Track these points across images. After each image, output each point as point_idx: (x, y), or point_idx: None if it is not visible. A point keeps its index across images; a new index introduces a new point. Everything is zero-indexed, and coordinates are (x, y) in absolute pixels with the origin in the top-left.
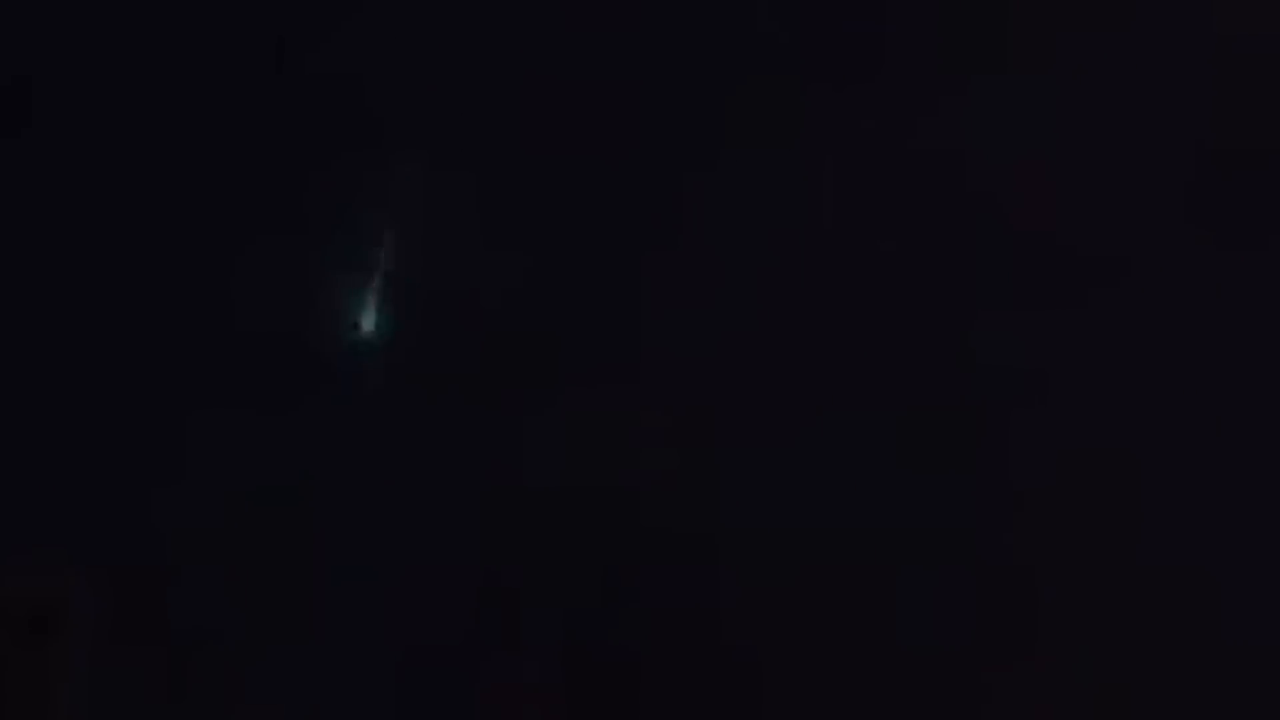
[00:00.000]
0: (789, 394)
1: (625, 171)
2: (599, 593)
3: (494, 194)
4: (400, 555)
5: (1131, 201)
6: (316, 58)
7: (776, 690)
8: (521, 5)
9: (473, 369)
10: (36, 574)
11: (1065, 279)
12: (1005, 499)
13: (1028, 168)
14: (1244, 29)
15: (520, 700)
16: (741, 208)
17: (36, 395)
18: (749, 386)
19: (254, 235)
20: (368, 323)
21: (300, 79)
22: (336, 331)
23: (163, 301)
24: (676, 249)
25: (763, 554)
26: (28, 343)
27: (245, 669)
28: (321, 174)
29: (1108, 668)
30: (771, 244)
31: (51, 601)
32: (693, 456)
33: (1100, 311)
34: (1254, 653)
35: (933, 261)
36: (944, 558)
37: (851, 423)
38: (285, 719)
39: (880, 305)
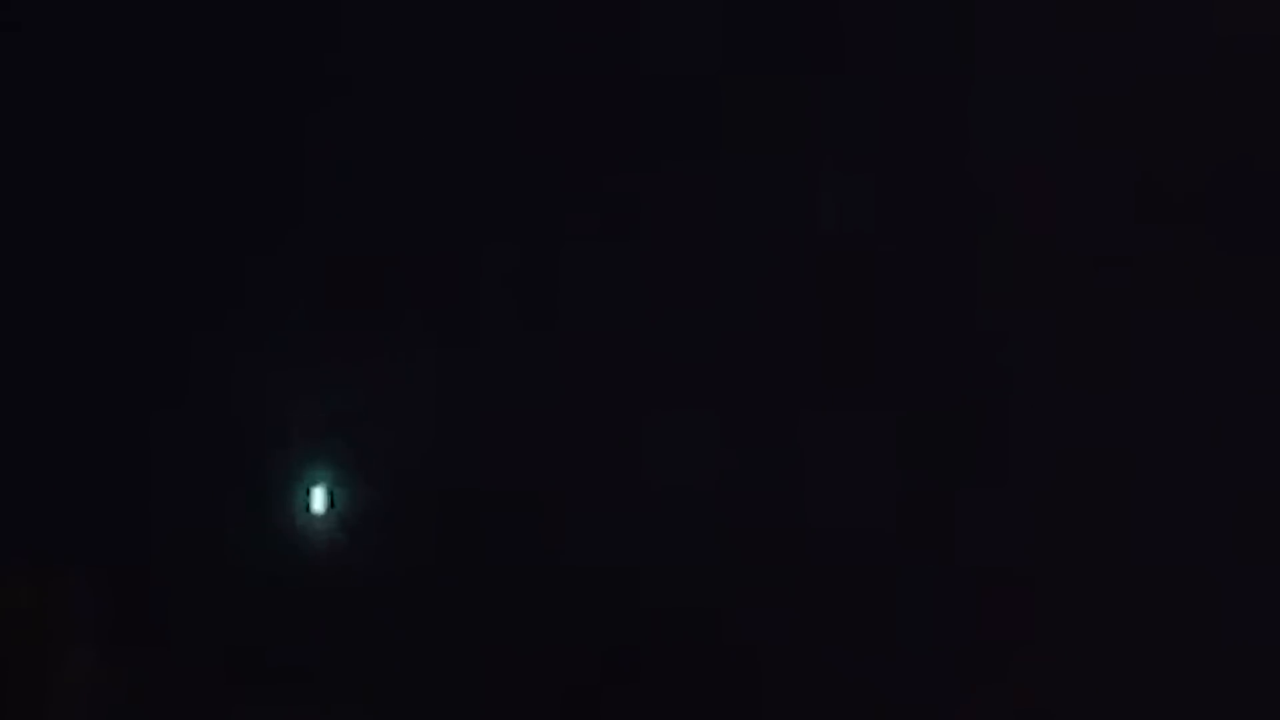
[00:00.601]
0: (790, 394)
1: (625, 173)
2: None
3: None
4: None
5: (1132, 202)
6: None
7: (776, 690)
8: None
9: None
10: (36, 574)
11: (1065, 279)
12: (1005, 500)
13: (1028, 168)
14: (1244, 29)
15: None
16: (741, 208)
17: (37, 399)
18: (749, 387)
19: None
20: (319, 501)
21: None
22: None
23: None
24: (677, 250)
25: (763, 554)
26: (29, 348)
27: (245, 669)
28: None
29: (1106, 667)
30: (771, 245)
31: (51, 601)
32: (694, 456)
33: (1099, 312)
34: (1253, 652)
35: (933, 262)
36: (944, 558)
37: (853, 423)
38: (284, 719)
39: (880, 305)
